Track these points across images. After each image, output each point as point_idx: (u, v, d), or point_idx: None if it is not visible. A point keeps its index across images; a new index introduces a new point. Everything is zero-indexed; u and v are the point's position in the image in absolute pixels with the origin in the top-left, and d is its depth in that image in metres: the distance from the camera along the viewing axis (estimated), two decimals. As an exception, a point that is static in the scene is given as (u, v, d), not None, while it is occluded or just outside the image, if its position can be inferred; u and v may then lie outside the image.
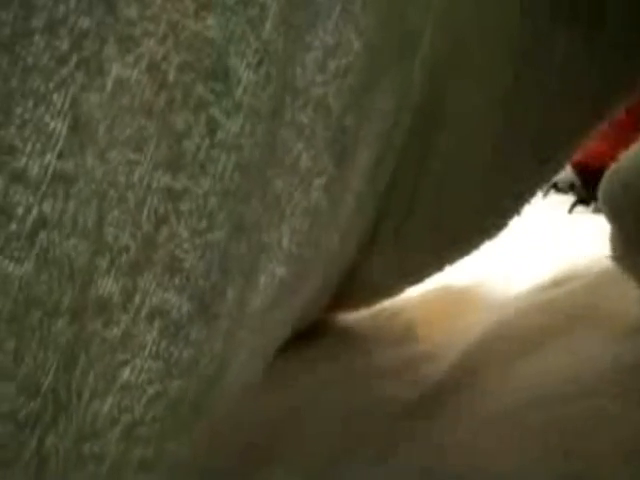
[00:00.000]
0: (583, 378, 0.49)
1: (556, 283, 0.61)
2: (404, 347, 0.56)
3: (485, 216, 0.53)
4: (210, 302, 0.32)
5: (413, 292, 0.62)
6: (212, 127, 0.30)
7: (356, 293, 0.57)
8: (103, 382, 0.30)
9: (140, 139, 0.29)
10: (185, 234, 0.30)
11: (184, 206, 0.30)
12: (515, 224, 0.73)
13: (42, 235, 0.27)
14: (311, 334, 0.60)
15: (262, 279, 0.35)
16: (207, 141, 0.30)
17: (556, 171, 0.54)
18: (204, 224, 0.31)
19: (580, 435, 0.44)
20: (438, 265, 0.55)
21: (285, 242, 0.35)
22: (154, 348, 0.30)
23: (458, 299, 0.63)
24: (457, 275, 0.64)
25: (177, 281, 0.30)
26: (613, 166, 0.51)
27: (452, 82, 0.49)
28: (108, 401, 0.30)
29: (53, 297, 0.28)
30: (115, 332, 0.30)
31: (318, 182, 0.36)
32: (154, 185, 0.29)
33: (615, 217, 0.52)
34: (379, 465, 0.45)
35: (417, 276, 0.56)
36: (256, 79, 0.30)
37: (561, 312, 0.56)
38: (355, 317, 0.61)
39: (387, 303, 0.62)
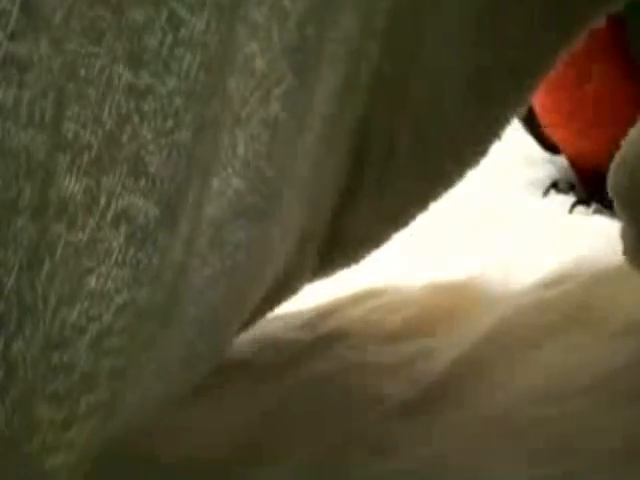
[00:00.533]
0: (578, 377, 0.49)
1: (555, 282, 0.61)
2: (401, 344, 0.56)
3: (463, 145, 0.52)
4: (175, 206, 0.31)
5: (411, 289, 0.63)
6: (175, 23, 0.29)
7: (342, 246, 0.56)
8: (69, 289, 0.30)
9: (98, 31, 0.28)
10: (149, 135, 0.30)
11: (148, 105, 0.30)
12: (515, 223, 0.73)
13: None
14: (306, 327, 0.61)
15: (215, 184, 0.34)
16: (170, 38, 0.29)
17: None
18: (169, 124, 0.30)
19: (576, 433, 0.45)
20: (423, 204, 0.55)
21: (241, 150, 0.35)
22: (120, 255, 0.30)
23: (456, 297, 0.62)
24: (455, 273, 0.65)
25: (143, 184, 0.30)
26: (618, 156, 0.50)
27: (428, 17, 0.48)
28: (75, 309, 0.30)
29: (11, 192, 0.27)
30: (80, 236, 0.29)
31: (277, 91, 0.35)
32: (115, 81, 0.29)
33: (624, 209, 0.52)
34: (374, 464, 0.45)
35: (403, 219, 0.56)
36: None
37: (559, 311, 0.56)
38: (351, 313, 0.61)
39: (384, 299, 0.62)
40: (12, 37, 0.25)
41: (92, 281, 0.30)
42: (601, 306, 0.56)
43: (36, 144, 0.27)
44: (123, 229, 0.30)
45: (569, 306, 0.56)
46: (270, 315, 0.60)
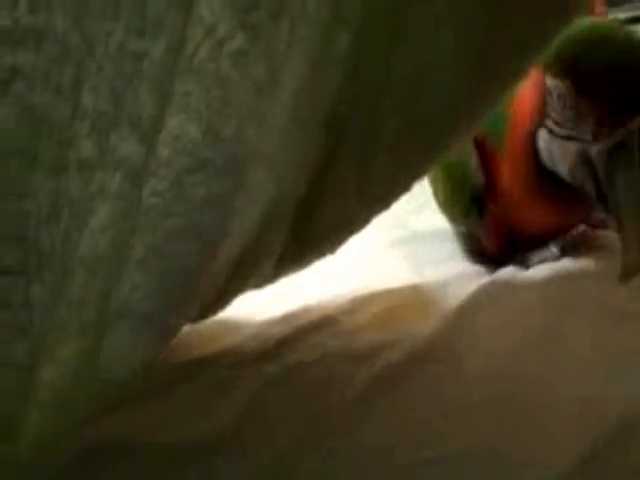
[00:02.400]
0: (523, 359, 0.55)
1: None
2: (370, 334, 0.61)
3: (453, 122, 0.52)
4: (152, 142, 0.36)
5: (380, 287, 0.68)
6: None
7: (319, 230, 0.56)
8: (78, 232, 0.34)
9: (115, 8, 0.32)
10: (144, 90, 0.34)
11: (145, 65, 0.34)
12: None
13: (17, 84, 0.30)
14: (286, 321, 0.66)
15: (169, 123, 0.37)
16: (165, 5, 0.33)
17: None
18: (160, 77, 0.34)
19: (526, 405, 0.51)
20: (407, 185, 0.55)
21: (194, 99, 0.37)
22: (117, 193, 0.35)
23: (420, 299, 0.67)
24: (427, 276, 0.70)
25: (137, 132, 0.35)
26: None
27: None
28: (80, 246, 0.35)
29: (31, 148, 0.31)
30: (91, 187, 0.34)
31: (228, 47, 0.37)
32: (125, 52, 0.33)
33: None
34: (339, 442, 0.50)
35: (386, 201, 0.56)
36: None
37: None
38: (325, 304, 0.66)
39: (355, 295, 0.67)
40: (30, 11, 0.30)
41: (94, 220, 0.35)
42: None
43: (53, 107, 0.31)
44: (120, 172, 0.35)
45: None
46: (254, 311, 0.65)
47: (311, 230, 0.55)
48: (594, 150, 0.56)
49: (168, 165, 0.37)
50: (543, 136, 0.61)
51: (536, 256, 0.68)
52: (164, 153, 0.37)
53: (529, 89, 0.60)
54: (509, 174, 0.65)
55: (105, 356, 0.39)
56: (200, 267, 0.43)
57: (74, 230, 0.34)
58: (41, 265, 0.33)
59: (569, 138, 0.58)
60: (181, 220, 0.39)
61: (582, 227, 0.71)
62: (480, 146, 0.67)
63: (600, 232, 0.71)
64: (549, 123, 0.60)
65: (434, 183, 0.73)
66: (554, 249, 0.68)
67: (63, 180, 0.33)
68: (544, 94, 0.59)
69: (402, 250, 0.76)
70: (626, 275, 0.55)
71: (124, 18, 0.32)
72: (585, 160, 0.57)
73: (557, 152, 0.60)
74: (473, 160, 0.67)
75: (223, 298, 0.56)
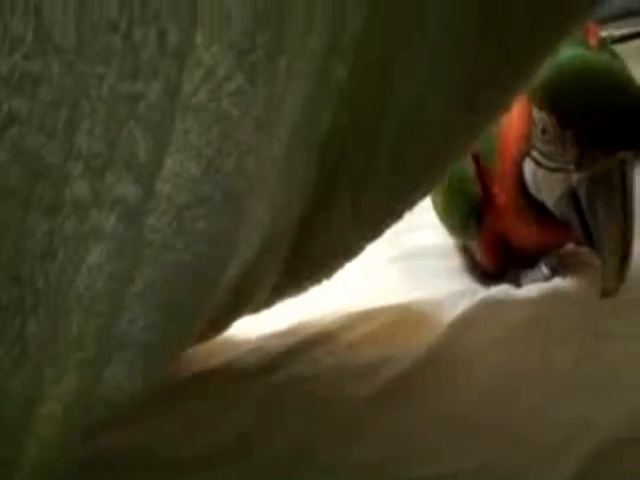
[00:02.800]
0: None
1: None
2: (366, 350, 0.63)
3: (443, 152, 0.53)
4: (152, 184, 0.36)
5: (376, 303, 0.70)
6: (162, 36, 0.34)
7: (312, 259, 0.57)
8: (74, 269, 0.35)
9: (107, 53, 0.33)
10: (139, 132, 0.35)
11: (140, 108, 0.34)
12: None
13: (13, 129, 0.31)
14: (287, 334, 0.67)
15: (169, 162, 0.37)
16: (158, 49, 0.34)
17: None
18: (155, 120, 0.35)
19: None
20: (399, 214, 0.56)
21: (193, 137, 0.38)
22: (112, 231, 0.35)
23: (415, 316, 0.69)
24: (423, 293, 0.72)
25: (133, 173, 0.35)
26: None
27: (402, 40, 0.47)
28: (76, 283, 0.35)
29: (25, 189, 0.32)
30: (87, 226, 0.35)
31: (227, 88, 0.38)
32: (118, 95, 0.33)
33: None
34: (336, 457, 0.52)
35: (379, 229, 0.57)
36: None
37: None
38: (321, 320, 0.68)
39: (350, 312, 0.69)
40: (26, 57, 0.31)
41: (90, 258, 0.35)
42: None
43: (48, 150, 0.32)
44: (116, 211, 0.35)
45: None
46: (250, 326, 0.66)
47: (307, 258, 0.56)
48: (575, 178, 0.57)
49: (168, 201, 0.38)
50: (529, 166, 0.62)
51: (528, 276, 0.70)
52: (164, 190, 0.38)
53: (516, 116, 0.62)
54: (500, 193, 0.67)
55: (104, 386, 0.40)
56: (199, 299, 0.45)
57: (70, 268, 0.35)
58: (37, 302, 0.34)
59: (554, 170, 0.59)
60: (181, 254, 0.40)
61: (571, 245, 0.72)
62: (476, 159, 0.68)
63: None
64: (535, 153, 0.61)
65: (433, 194, 0.74)
66: (545, 270, 0.69)
67: (58, 220, 0.33)
68: (530, 124, 0.61)
69: (398, 266, 0.78)
70: (604, 297, 0.57)
71: (116, 62, 0.33)
72: (571, 195, 0.58)
73: (543, 183, 0.61)
74: (470, 169, 0.68)
75: (221, 325, 0.58)
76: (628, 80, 0.59)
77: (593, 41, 0.63)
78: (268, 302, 0.60)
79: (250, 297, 0.56)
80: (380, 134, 0.50)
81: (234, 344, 0.65)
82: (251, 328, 0.67)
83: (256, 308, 0.59)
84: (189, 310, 0.44)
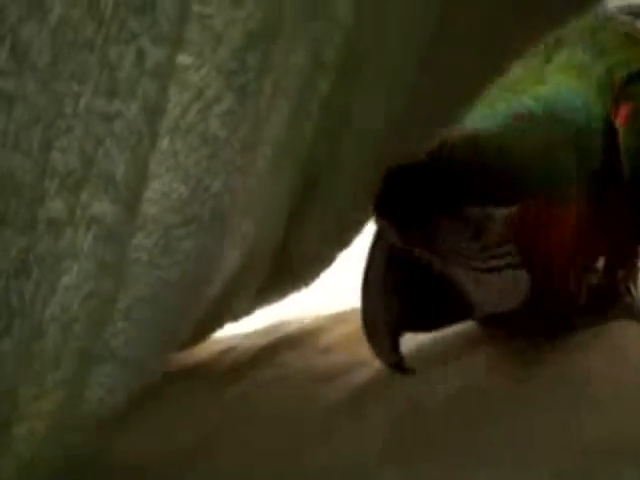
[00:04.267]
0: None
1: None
2: (335, 356, 0.62)
3: None
4: (133, 205, 0.37)
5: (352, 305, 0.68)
6: (141, 56, 0.34)
7: (291, 267, 0.59)
8: (49, 288, 0.35)
9: (83, 72, 0.33)
10: (117, 151, 0.35)
11: (117, 127, 0.35)
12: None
13: None
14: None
15: (157, 185, 0.38)
16: (137, 69, 0.34)
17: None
18: (133, 140, 0.35)
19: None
20: (360, 225, 0.57)
21: (181, 158, 0.39)
22: (89, 252, 0.35)
23: None
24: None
25: (111, 192, 0.35)
26: None
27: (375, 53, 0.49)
28: (52, 303, 0.35)
29: (1, 206, 0.32)
30: (62, 244, 0.34)
31: (217, 109, 0.38)
32: (95, 112, 0.34)
33: None
34: (308, 460, 0.52)
35: (345, 239, 0.59)
36: (178, 13, 0.35)
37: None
38: (293, 326, 0.67)
39: (320, 319, 0.68)
40: (1, 76, 0.31)
41: (66, 278, 0.35)
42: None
43: (23, 168, 0.32)
44: (93, 230, 0.35)
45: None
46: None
47: (288, 268, 0.58)
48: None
49: (155, 222, 0.39)
50: None
51: None
52: (150, 211, 0.38)
53: None
54: None
55: (86, 402, 0.40)
56: (183, 313, 0.45)
57: (45, 287, 0.35)
58: (11, 321, 0.34)
59: None
60: (167, 271, 0.41)
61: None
62: None
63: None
64: None
65: None
66: None
67: (33, 237, 0.33)
68: None
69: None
70: None
71: (92, 80, 0.33)
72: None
73: None
74: None
75: (203, 334, 0.59)
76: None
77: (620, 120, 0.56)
78: (249, 309, 0.62)
79: (232, 306, 0.57)
80: (344, 147, 0.52)
81: (206, 344, 0.65)
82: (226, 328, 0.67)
83: (238, 315, 0.61)
84: (173, 323, 0.45)
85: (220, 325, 0.59)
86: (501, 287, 0.50)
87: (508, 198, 0.48)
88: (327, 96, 0.47)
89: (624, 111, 0.54)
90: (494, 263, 0.50)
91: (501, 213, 0.48)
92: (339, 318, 0.67)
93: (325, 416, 0.56)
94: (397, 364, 0.52)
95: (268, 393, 0.58)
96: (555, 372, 0.53)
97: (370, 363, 0.59)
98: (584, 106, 0.52)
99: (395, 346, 0.51)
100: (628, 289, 0.62)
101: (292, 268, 0.59)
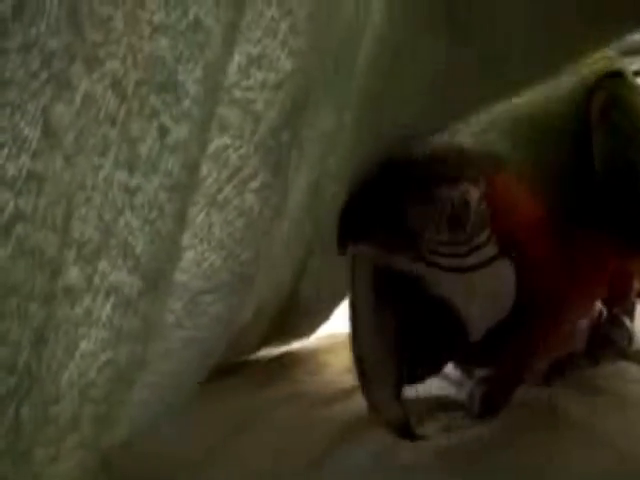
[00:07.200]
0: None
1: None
2: (342, 379, 0.63)
3: None
4: (157, 278, 0.36)
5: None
6: (163, 132, 0.34)
7: (295, 318, 0.60)
8: (66, 354, 0.35)
9: (104, 145, 0.33)
10: (137, 223, 0.35)
11: (137, 200, 0.35)
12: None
13: (18, 227, 0.31)
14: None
15: (190, 255, 0.38)
16: (158, 144, 0.34)
17: None
18: (154, 214, 0.35)
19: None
20: None
21: (216, 230, 0.39)
22: (107, 321, 0.35)
23: None
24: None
25: (130, 263, 0.35)
26: None
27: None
28: (70, 368, 0.35)
29: (28, 284, 0.32)
30: (78, 311, 0.34)
31: (252, 185, 0.39)
32: (115, 184, 0.34)
33: None
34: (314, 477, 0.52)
35: (340, 295, 0.59)
36: (201, 91, 0.35)
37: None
38: (300, 349, 0.69)
39: (326, 343, 0.70)
40: (33, 157, 0.30)
41: (83, 344, 0.35)
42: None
43: (48, 243, 0.32)
44: (111, 300, 0.35)
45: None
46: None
47: (287, 319, 0.59)
48: None
49: (185, 288, 0.39)
50: None
51: None
52: (182, 278, 0.39)
53: None
54: None
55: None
56: (201, 363, 0.46)
57: (61, 353, 0.35)
58: (31, 387, 0.33)
59: None
60: (192, 332, 0.42)
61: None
62: None
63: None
64: None
65: None
66: None
67: (52, 307, 0.33)
68: None
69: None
70: None
71: (112, 153, 0.33)
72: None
73: None
74: None
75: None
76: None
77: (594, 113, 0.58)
78: (253, 351, 0.63)
79: (238, 354, 0.59)
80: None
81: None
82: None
83: (241, 356, 0.62)
84: (191, 373, 0.46)
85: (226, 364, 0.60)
86: (488, 289, 0.50)
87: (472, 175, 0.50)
88: (351, 151, 0.48)
89: (597, 103, 0.56)
90: (476, 259, 0.50)
91: (474, 193, 0.50)
92: (344, 342, 0.68)
93: (331, 439, 0.57)
94: (403, 426, 0.50)
95: (277, 409, 0.59)
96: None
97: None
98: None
99: (398, 395, 0.49)
100: (622, 323, 0.63)
101: (295, 319, 0.60)
